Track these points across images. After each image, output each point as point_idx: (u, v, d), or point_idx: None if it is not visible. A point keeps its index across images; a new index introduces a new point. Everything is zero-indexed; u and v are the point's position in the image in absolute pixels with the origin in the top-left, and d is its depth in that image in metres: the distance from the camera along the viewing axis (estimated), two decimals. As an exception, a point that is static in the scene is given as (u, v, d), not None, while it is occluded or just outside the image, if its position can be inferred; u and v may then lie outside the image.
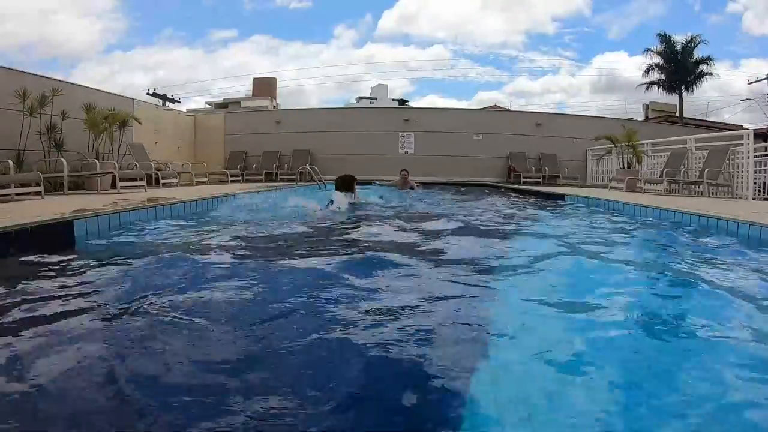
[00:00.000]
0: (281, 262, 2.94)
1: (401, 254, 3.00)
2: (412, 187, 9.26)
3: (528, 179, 12.94)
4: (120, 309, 1.90)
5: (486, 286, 2.36)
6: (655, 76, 22.77)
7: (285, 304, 2.01)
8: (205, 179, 10.70)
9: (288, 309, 1.93)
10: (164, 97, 23.08)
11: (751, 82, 23.52)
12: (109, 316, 1.80)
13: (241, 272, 2.55)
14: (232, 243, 3.48)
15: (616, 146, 10.95)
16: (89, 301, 2.01)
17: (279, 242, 3.79)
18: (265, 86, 34.26)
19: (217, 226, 4.34)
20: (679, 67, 21.99)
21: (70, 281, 2.40)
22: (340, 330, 1.64)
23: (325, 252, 3.25)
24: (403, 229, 4.29)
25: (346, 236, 4.04)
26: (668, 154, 9.83)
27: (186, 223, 4.46)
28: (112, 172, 7.60)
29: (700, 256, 3.15)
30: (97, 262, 2.94)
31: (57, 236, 3.32)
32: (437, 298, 2.12)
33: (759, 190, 8.14)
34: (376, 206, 6.03)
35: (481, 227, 4.77)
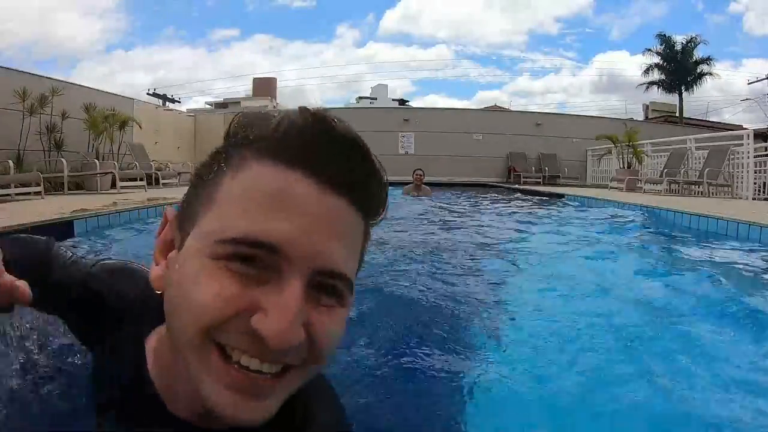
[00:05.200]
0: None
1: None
2: (425, 193, 7.46)
3: (528, 179, 12.94)
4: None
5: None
6: (655, 76, 22.80)
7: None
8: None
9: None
10: (164, 97, 23.12)
11: (752, 82, 23.58)
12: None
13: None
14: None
15: (616, 146, 10.96)
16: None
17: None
18: (265, 86, 34.26)
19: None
20: (679, 67, 22.02)
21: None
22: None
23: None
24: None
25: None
26: (668, 154, 9.84)
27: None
28: (112, 172, 7.61)
29: (698, 256, 3.15)
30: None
31: (57, 236, 3.32)
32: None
33: (759, 190, 8.15)
34: None
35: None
